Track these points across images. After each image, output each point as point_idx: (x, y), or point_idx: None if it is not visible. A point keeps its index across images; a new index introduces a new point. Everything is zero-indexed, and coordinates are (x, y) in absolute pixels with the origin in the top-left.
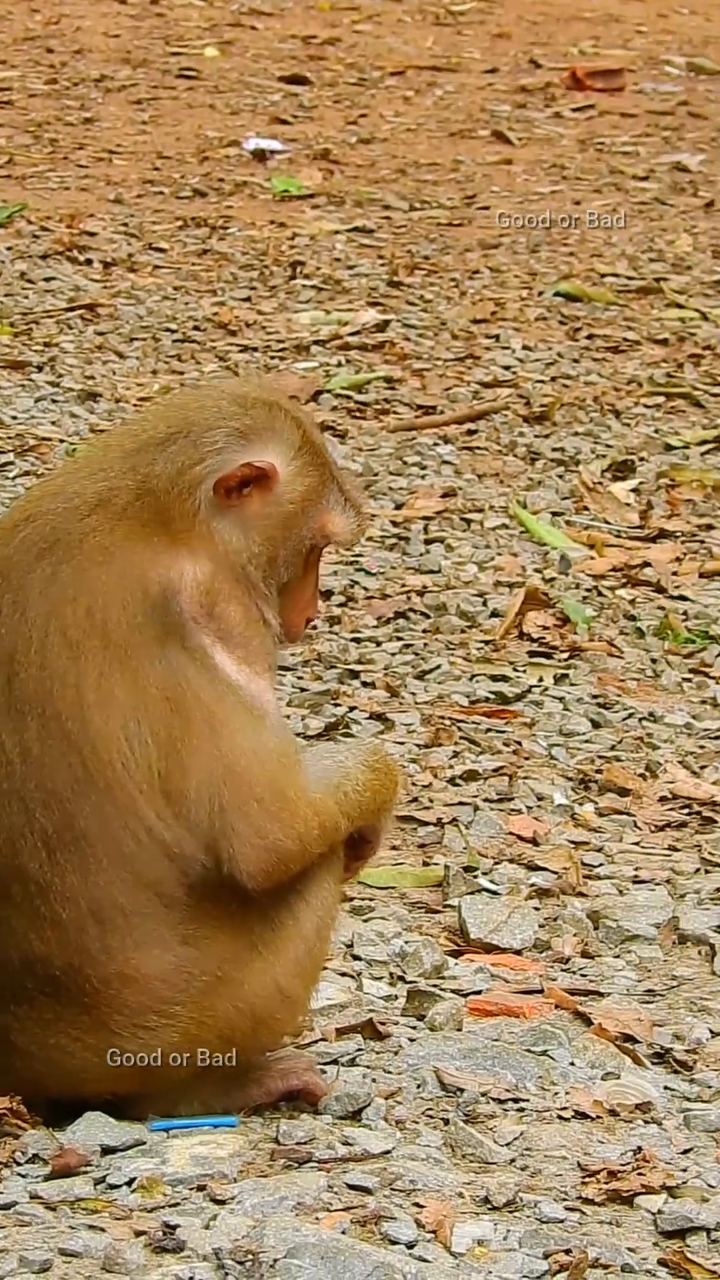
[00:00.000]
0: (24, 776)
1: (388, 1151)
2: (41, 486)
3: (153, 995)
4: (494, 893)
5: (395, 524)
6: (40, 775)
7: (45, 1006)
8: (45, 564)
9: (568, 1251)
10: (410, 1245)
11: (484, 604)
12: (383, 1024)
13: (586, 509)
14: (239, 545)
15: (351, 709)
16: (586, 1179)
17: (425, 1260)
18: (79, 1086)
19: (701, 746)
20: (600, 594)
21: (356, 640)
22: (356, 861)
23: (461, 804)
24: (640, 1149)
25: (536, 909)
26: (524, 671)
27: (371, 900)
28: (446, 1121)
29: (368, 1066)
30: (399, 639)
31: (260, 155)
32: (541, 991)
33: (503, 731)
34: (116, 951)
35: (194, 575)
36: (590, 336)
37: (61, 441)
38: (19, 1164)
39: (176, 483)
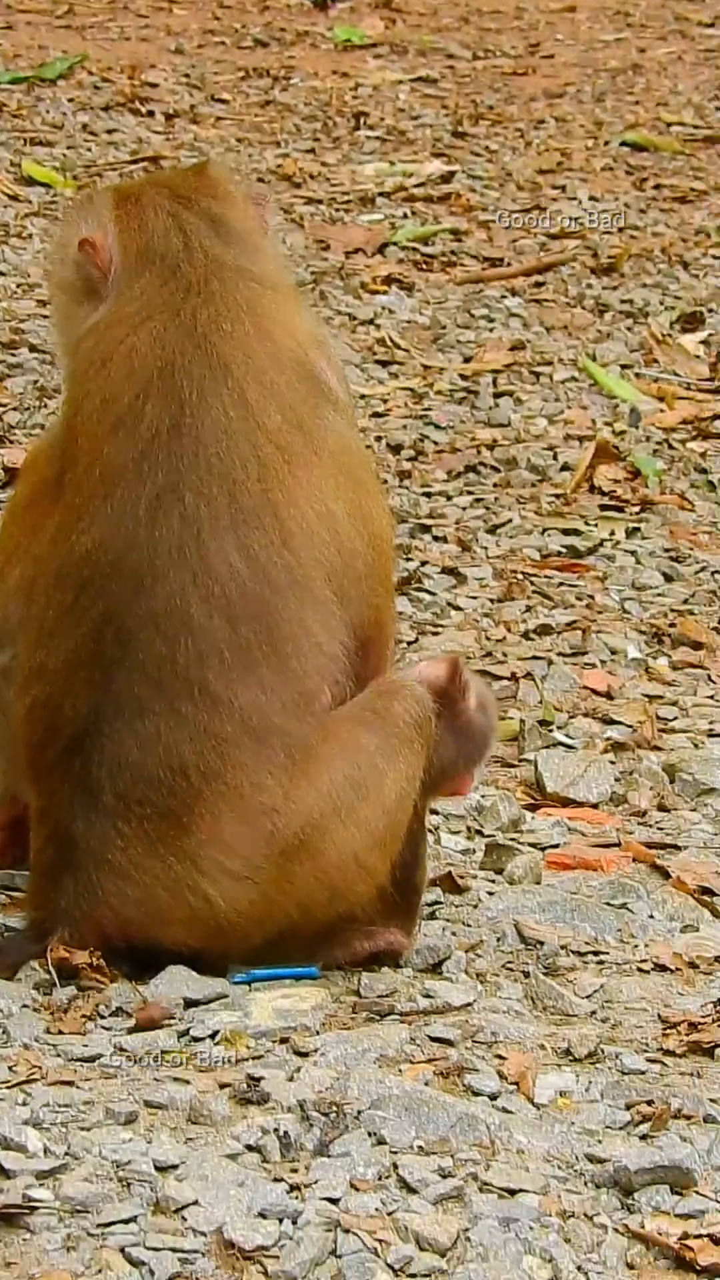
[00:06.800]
0: (239, 590)
1: (469, 1004)
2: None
3: (245, 834)
4: (570, 746)
5: (464, 377)
6: (258, 582)
7: (153, 824)
8: (217, 389)
9: (650, 1102)
10: (493, 1097)
11: (554, 458)
12: (461, 877)
13: (656, 361)
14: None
15: (423, 564)
16: (667, 1030)
17: (508, 1111)
18: (159, 929)
19: None
20: (671, 447)
21: (427, 495)
22: None
23: (535, 658)
24: None
25: (612, 763)
26: (595, 525)
27: None
28: (527, 974)
29: (447, 920)
30: (469, 493)
31: (322, 4)
32: (619, 845)
33: (575, 585)
34: (249, 768)
35: (303, 326)
36: (657, 186)
37: None
38: (103, 1017)
39: (240, 243)
